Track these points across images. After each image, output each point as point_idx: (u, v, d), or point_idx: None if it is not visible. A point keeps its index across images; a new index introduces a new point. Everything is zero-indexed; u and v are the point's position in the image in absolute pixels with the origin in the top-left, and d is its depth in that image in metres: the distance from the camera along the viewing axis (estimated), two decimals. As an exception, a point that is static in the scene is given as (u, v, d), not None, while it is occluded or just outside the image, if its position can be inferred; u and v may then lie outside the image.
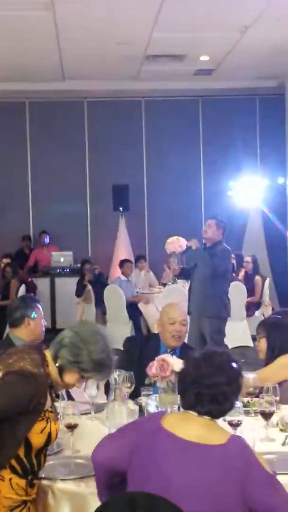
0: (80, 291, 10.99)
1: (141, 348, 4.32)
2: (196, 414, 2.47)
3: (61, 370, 2.75)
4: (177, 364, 3.47)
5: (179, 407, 3.05)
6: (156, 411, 3.33)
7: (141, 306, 10.43)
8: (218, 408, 2.47)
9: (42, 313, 4.23)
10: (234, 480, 2.33)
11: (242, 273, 10.64)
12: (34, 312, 4.13)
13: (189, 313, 6.71)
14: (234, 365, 2.54)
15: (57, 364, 2.74)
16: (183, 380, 2.55)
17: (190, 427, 2.44)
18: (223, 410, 2.50)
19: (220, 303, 7.03)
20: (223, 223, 7.18)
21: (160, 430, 2.44)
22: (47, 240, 12.74)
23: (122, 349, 4.62)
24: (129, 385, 3.68)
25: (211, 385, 2.46)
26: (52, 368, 2.75)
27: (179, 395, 2.60)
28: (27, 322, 4.09)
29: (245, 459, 2.37)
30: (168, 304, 4.70)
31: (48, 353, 2.79)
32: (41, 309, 4.23)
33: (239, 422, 3.08)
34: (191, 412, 2.49)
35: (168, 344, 4.24)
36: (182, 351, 4.17)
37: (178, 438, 2.41)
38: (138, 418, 2.69)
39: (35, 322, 4.12)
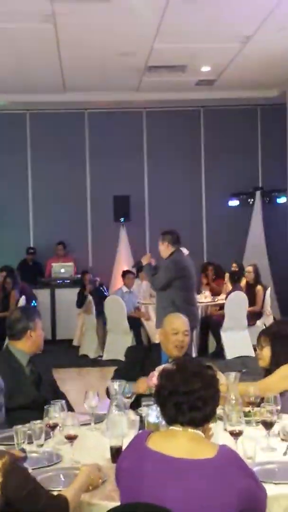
0: (81, 302, 10.97)
1: (143, 358, 4.31)
2: (180, 428, 2.45)
3: None
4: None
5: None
6: (157, 421, 3.31)
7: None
8: (199, 414, 2.45)
9: (41, 325, 4.20)
10: (226, 492, 2.31)
11: (243, 283, 10.62)
12: (35, 324, 4.10)
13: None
14: (207, 369, 2.55)
15: None
16: (161, 395, 2.53)
17: (177, 444, 2.42)
18: (205, 416, 2.47)
19: (168, 312, 6.96)
20: (167, 234, 7.34)
21: (146, 451, 2.42)
22: (61, 251, 12.73)
23: (124, 359, 4.60)
24: (129, 395, 3.66)
25: (187, 392, 2.45)
26: None
27: (160, 411, 2.57)
28: (29, 334, 4.07)
29: (237, 469, 2.36)
30: (172, 314, 4.71)
31: None
32: (41, 319, 4.22)
33: (240, 432, 3.06)
34: (175, 427, 2.47)
35: (170, 353, 4.24)
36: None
37: (165, 456, 2.39)
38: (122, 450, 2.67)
39: (37, 334, 4.10)
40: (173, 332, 4.22)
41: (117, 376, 4.09)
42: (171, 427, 2.50)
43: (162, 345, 4.33)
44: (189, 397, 2.44)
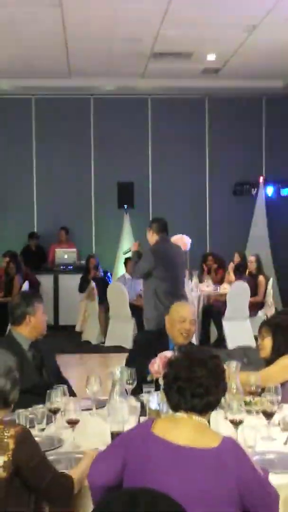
0: (83, 286, 10.99)
1: (152, 343, 4.33)
2: (184, 415, 2.48)
3: None
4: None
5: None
6: (158, 408, 3.33)
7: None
8: (201, 401, 2.47)
9: (43, 309, 4.20)
10: (229, 482, 2.33)
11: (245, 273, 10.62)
12: (34, 309, 4.11)
13: None
14: (213, 359, 2.57)
15: None
16: (166, 381, 2.56)
17: (181, 431, 2.44)
18: (208, 403, 2.49)
19: (151, 303, 6.92)
20: (154, 222, 7.26)
21: (151, 436, 2.44)
22: (64, 236, 12.74)
23: (133, 343, 4.63)
24: (131, 381, 3.68)
25: (189, 378, 2.48)
26: None
27: (165, 397, 2.60)
28: (28, 319, 4.09)
29: (239, 461, 2.38)
30: (179, 302, 4.74)
31: None
32: (42, 305, 4.21)
33: (240, 421, 3.08)
34: (179, 414, 2.49)
35: (175, 341, 4.28)
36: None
37: (170, 444, 2.41)
38: (125, 431, 2.68)
39: (36, 319, 4.11)
40: (180, 320, 4.26)
41: (130, 361, 4.12)
42: (175, 414, 2.52)
43: (168, 332, 4.36)
44: (191, 383, 2.47)
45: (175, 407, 2.52)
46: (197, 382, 2.47)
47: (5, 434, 2.59)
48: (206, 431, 2.48)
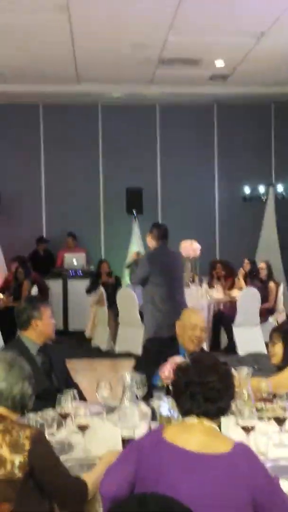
0: (91, 289, 10.96)
1: (161, 350, 4.31)
2: (195, 420, 2.47)
3: None
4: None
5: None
6: (168, 414, 3.31)
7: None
8: (214, 406, 2.46)
9: (50, 313, 4.19)
10: (241, 488, 2.31)
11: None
12: (40, 313, 4.10)
13: None
14: (224, 365, 2.59)
15: None
16: (176, 387, 2.55)
17: (193, 437, 2.43)
18: (220, 408, 2.49)
19: (149, 310, 6.94)
20: (154, 229, 7.21)
21: (163, 443, 2.43)
22: (72, 243, 12.76)
23: (142, 349, 4.61)
24: (141, 387, 3.66)
25: (202, 383, 2.47)
26: None
27: (175, 404, 2.59)
28: (35, 323, 4.09)
29: (251, 466, 2.37)
30: (191, 309, 4.73)
31: None
32: (49, 309, 4.20)
33: (252, 427, 3.06)
34: (190, 419, 2.48)
35: (186, 348, 4.26)
36: None
37: (181, 450, 2.39)
38: (136, 439, 2.66)
39: (43, 323, 4.11)
40: (191, 327, 4.24)
41: (139, 367, 4.11)
42: (186, 419, 2.50)
43: (179, 338, 4.33)
44: (204, 387, 2.46)
45: (186, 412, 2.50)
46: (209, 387, 2.47)
47: (21, 434, 2.61)
48: (217, 436, 2.47)
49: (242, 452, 2.39)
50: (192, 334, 4.22)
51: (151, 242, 7.16)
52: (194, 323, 4.25)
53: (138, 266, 7.17)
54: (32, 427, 2.72)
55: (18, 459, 2.57)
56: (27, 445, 2.58)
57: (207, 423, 2.47)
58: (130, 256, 7.68)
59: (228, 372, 2.58)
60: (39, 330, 4.09)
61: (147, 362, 4.22)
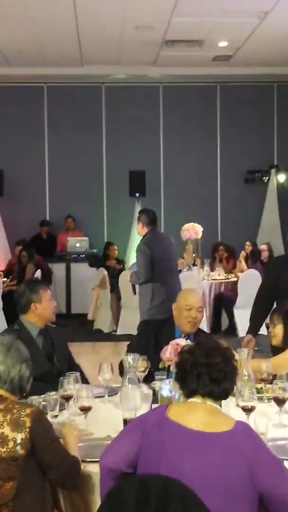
0: (95, 264, 10.95)
1: (157, 332, 4.34)
2: (199, 400, 2.50)
3: None
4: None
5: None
6: (170, 395, 3.35)
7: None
8: (218, 387, 2.50)
9: (50, 296, 4.20)
10: (243, 466, 2.34)
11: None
12: (39, 296, 4.12)
13: None
14: (225, 347, 2.64)
15: None
16: (182, 368, 2.58)
17: (196, 416, 2.46)
18: (224, 390, 2.52)
19: (148, 294, 6.87)
20: (143, 214, 7.08)
21: (166, 421, 2.46)
22: (71, 224, 12.77)
23: (137, 331, 4.62)
24: (143, 369, 3.69)
25: (208, 364, 2.51)
26: None
27: (179, 385, 2.62)
28: (34, 307, 4.10)
29: (252, 444, 2.40)
30: (186, 290, 4.72)
31: None
32: (48, 291, 4.21)
33: (252, 408, 3.09)
34: (194, 399, 2.52)
35: (183, 329, 4.26)
36: (196, 337, 4.19)
37: (184, 428, 2.42)
38: (140, 415, 2.69)
39: (42, 307, 4.12)
40: (187, 308, 4.22)
41: (130, 350, 4.12)
42: (190, 400, 2.54)
43: (175, 320, 4.34)
44: (210, 368, 2.51)
45: (192, 392, 2.53)
46: (216, 368, 2.51)
47: (22, 413, 2.68)
48: (219, 415, 2.50)
49: (243, 430, 2.43)
50: (188, 315, 4.21)
51: (142, 230, 7.00)
52: (190, 304, 4.23)
53: (138, 262, 6.94)
54: (32, 405, 2.80)
55: (20, 436, 2.64)
56: (28, 422, 2.66)
57: (210, 403, 2.50)
58: (126, 276, 7.38)
59: (232, 356, 2.63)
60: (38, 313, 4.11)
61: (139, 345, 4.22)
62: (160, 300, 6.74)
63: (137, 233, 7.18)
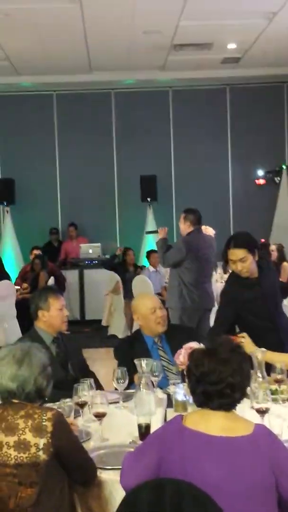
0: (111, 266, 10.95)
1: (129, 348, 4.29)
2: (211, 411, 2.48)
3: None
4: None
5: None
6: (184, 399, 3.34)
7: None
8: (228, 400, 2.46)
9: (61, 305, 4.17)
10: (264, 468, 2.34)
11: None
12: (48, 305, 4.11)
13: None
14: (237, 353, 2.52)
15: None
16: (189, 379, 2.55)
17: (213, 422, 2.44)
18: (234, 401, 2.48)
19: (176, 293, 6.88)
20: (190, 214, 7.08)
21: (186, 430, 2.43)
22: (74, 232, 12.79)
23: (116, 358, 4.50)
24: (157, 373, 3.68)
25: (215, 381, 2.45)
26: None
27: (191, 395, 2.60)
28: (41, 314, 4.12)
29: (273, 446, 2.39)
30: (140, 296, 4.83)
31: None
32: (60, 301, 4.18)
33: (266, 410, 3.07)
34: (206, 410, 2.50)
35: (155, 332, 4.29)
36: (169, 335, 4.29)
37: (204, 435, 2.41)
38: (154, 432, 2.65)
39: (50, 315, 4.12)
40: (151, 312, 4.27)
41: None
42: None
43: (143, 329, 4.35)
44: (218, 386, 2.45)
45: (200, 406, 2.51)
46: (223, 385, 2.45)
47: (43, 417, 2.65)
48: (237, 419, 2.48)
49: (263, 432, 2.42)
50: (156, 316, 4.26)
51: (188, 228, 7.02)
52: (151, 306, 4.28)
53: (173, 248, 6.98)
54: (52, 409, 2.76)
55: (42, 441, 2.61)
56: (49, 427, 2.63)
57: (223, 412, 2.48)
58: (162, 231, 7.39)
59: (243, 360, 2.53)
60: (46, 321, 4.12)
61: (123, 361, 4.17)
62: (189, 300, 6.83)
63: (180, 231, 7.16)
